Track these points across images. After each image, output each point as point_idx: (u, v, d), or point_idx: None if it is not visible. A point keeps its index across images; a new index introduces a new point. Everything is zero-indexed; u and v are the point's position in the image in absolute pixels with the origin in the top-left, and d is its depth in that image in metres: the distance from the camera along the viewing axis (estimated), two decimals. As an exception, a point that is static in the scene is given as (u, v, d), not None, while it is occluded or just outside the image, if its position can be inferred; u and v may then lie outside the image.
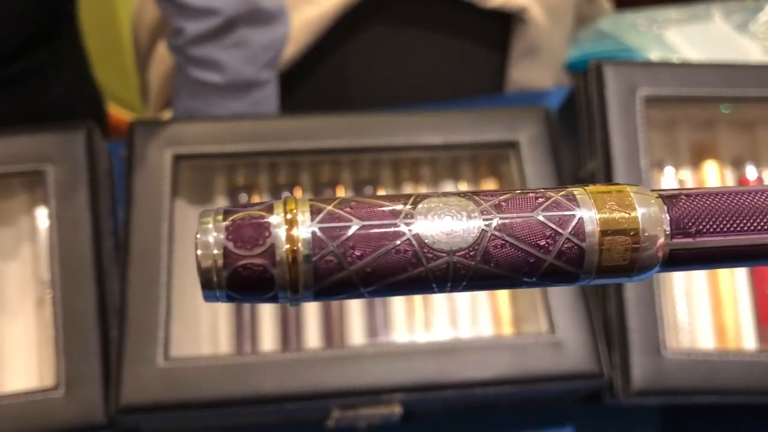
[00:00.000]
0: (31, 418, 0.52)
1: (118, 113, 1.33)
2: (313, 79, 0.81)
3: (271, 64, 0.68)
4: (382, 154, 0.63)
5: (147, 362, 0.53)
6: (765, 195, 0.26)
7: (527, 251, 0.24)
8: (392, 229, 0.24)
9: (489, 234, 0.24)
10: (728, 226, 0.25)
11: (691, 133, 0.65)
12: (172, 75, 0.73)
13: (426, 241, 0.24)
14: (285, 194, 0.26)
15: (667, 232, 0.25)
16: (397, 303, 0.60)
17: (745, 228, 0.25)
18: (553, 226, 0.24)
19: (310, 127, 0.61)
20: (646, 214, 0.24)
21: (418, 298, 0.60)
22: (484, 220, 0.24)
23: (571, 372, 0.55)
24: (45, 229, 0.58)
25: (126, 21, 1.30)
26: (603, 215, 0.24)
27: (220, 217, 0.24)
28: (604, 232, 0.24)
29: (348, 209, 0.24)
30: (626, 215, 0.24)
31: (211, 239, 0.23)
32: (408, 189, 0.64)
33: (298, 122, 0.62)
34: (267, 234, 0.23)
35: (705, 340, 0.59)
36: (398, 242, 0.24)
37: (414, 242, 0.24)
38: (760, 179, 0.63)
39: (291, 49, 0.76)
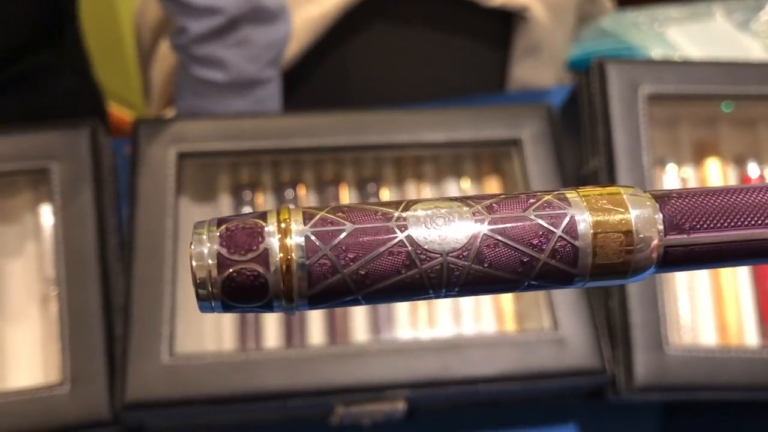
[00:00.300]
0: (37, 415, 0.52)
1: (120, 112, 1.33)
2: (316, 78, 0.81)
3: (274, 63, 0.68)
4: (385, 151, 0.63)
5: (152, 359, 0.53)
6: (759, 192, 0.26)
7: (520, 250, 0.24)
8: (385, 231, 0.24)
9: (481, 234, 0.24)
10: (722, 222, 0.25)
11: (694, 130, 0.65)
12: (175, 73, 0.73)
13: (419, 242, 0.24)
14: (283, 204, 0.26)
15: (661, 234, 0.25)
16: (401, 300, 0.60)
17: (740, 224, 0.25)
18: (546, 225, 0.24)
19: (313, 125, 0.61)
20: (639, 216, 0.24)
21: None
22: (475, 221, 0.24)
23: (574, 368, 0.55)
24: (49, 227, 0.58)
25: (127, 20, 1.30)
26: (596, 217, 0.24)
27: (214, 228, 0.24)
28: (597, 234, 0.24)
29: (340, 214, 0.24)
30: (620, 217, 0.24)
31: (205, 250, 0.23)
32: (411, 186, 0.64)
33: (301, 120, 0.62)
34: (260, 239, 0.24)
35: (707, 337, 0.60)
36: (391, 244, 0.24)
37: (407, 243, 0.24)
38: (762, 177, 0.63)
39: (293, 48, 0.76)
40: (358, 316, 0.60)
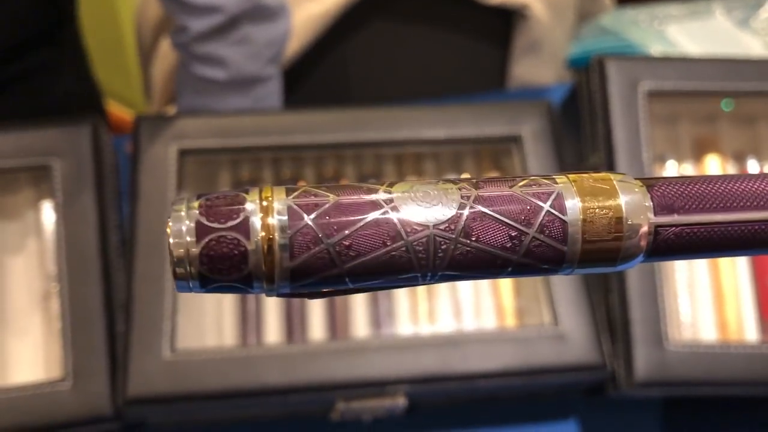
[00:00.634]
0: (39, 411, 0.52)
1: (119, 111, 1.33)
2: (316, 75, 0.81)
3: (274, 60, 0.68)
4: (385, 148, 0.63)
5: (153, 354, 0.53)
6: (750, 180, 0.25)
7: (508, 223, 0.24)
8: (370, 203, 0.23)
9: (468, 206, 0.24)
10: (712, 204, 0.25)
11: (693, 127, 0.65)
12: (176, 72, 0.73)
13: (404, 213, 0.23)
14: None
15: (651, 221, 0.24)
16: (401, 295, 0.61)
17: (730, 206, 0.25)
18: (533, 199, 0.24)
19: (313, 122, 0.62)
20: (629, 202, 0.24)
21: (421, 290, 0.60)
22: (462, 196, 0.24)
23: (574, 364, 0.55)
24: (51, 224, 0.59)
25: (127, 19, 1.31)
26: (585, 202, 0.24)
27: (194, 203, 0.23)
28: (586, 218, 0.24)
29: (324, 189, 0.24)
30: (609, 202, 0.24)
31: (183, 227, 0.22)
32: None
33: (302, 117, 0.62)
34: (241, 209, 0.23)
35: (707, 333, 0.60)
36: (377, 214, 0.23)
37: (392, 215, 0.23)
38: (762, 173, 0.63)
39: (294, 45, 0.76)
40: (359, 311, 0.60)
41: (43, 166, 0.58)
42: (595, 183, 0.24)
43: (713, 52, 0.77)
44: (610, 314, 0.57)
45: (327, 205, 0.23)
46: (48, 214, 0.59)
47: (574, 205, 0.24)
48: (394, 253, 0.23)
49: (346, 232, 0.23)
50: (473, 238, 0.23)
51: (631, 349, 0.55)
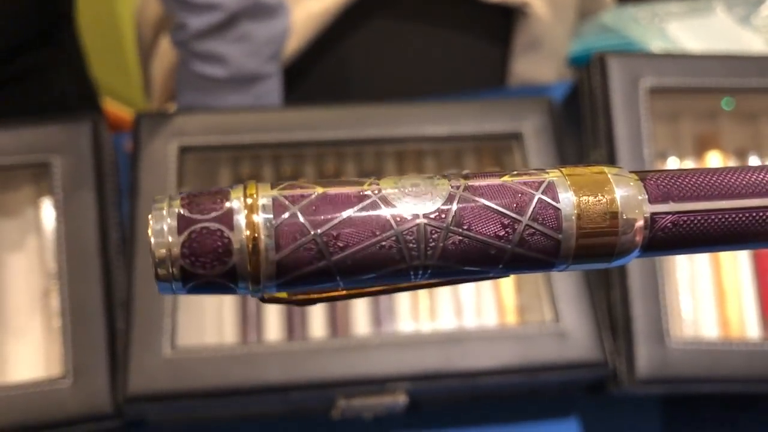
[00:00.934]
0: (39, 408, 0.52)
1: (118, 109, 1.33)
2: (317, 73, 0.81)
3: (274, 58, 0.68)
4: (386, 145, 0.63)
5: (153, 352, 0.53)
6: (746, 172, 0.25)
7: (500, 211, 0.23)
8: (357, 194, 0.23)
9: (458, 196, 0.23)
10: (708, 192, 0.24)
11: (695, 124, 0.65)
12: (175, 69, 0.73)
13: (393, 202, 0.22)
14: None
15: (646, 212, 0.24)
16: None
17: (726, 194, 0.24)
18: (525, 188, 0.23)
19: (314, 119, 0.61)
20: (624, 196, 0.23)
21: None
22: (452, 186, 0.23)
23: (575, 361, 0.55)
24: (51, 221, 0.58)
25: (126, 17, 1.30)
26: (580, 197, 0.23)
27: (177, 200, 0.22)
28: (580, 214, 0.23)
29: (310, 182, 0.23)
30: (604, 197, 0.23)
31: (165, 226, 0.22)
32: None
33: (302, 114, 0.62)
34: (224, 201, 0.22)
35: (709, 330, 0.60)
36: (365, 203, 0.22)
37: (380, 203, 0.22)
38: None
39: (294, 43, 0.76)
40: (360, 308, 0.60)
41: (43, 164, 0.58)
42: (589, 177, 0.24)
43: (714, 49, 0.77)
44: (611, 311, 0.57)
45: (313, 196, 0.22)
46: (48, 211, 0.59)
47: (568, 198, 0.23)
48: (383, 243, 0.22)
49: (334, 222, 0.22)
50: (465, 227, 0.23)
51: (633, 346, 0.55)
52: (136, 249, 0.56)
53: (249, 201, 0.22)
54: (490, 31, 0.85)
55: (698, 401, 0.60)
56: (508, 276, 0.25)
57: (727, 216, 0.24)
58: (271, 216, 0.22)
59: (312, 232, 0.22)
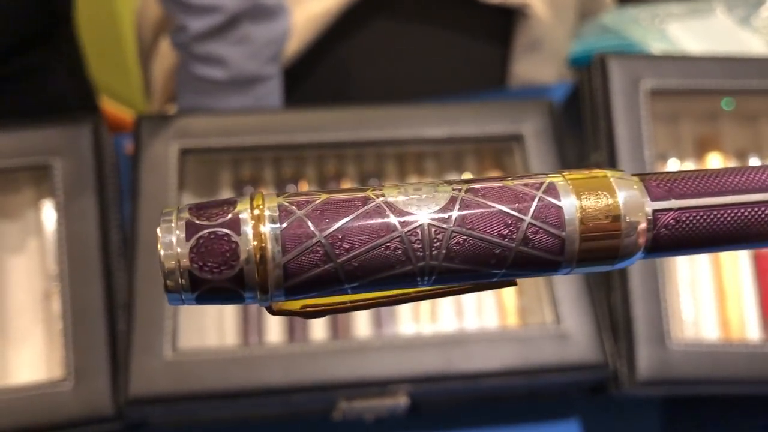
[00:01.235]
0: (40, 411, 0.52)
1: (117, 110, 1.33)
2: (317, 75, 0.81)
3: (274, 60, 0.68)
4: (387, 147, 0.63)
5: (155, 354, 0.53)
6: (748, 172, 0.25)
7: (503, 210, 0.23)
8: (361, 199, 0.23)
9: (460, 198, 0.23)
10: (710, 188, 0.24)
11: (695, 125, 0.65)
12: (175, 71, 0.73)
13: (397, 205, 0.23)
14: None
15: (649, 217, 0.24)
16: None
17: (728, 190, 0.24)
18: (526, 189, 0.24)
19: (314, 121, 0.61)
20: (627, 199, 0.24)
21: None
22: (454, 189, 0.24)
23: (576, 363, 0.55)
24: (52, 223, 0.58)
25: (125, 18, 1.30)
26: (582, 201, 0.23)
27: (185, 213, 0.23)
28: (583, 218, 0.23)
29: (315, 190, 0.24)
30: (606, 201, 0.24)
31: (174, 238, 0.22)
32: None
33: (303, 116, 0.62)
34: (231, 208, 0.23)
35: (709, 331, 0.60)
36: (369, 206, 0.23)
37: (384, 207, 0.23)
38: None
39: (295, 45, 0.76)
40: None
41: (43, 166, 0.58)
42: (591, 180, 0.24)
43: (714, 51, 0.77)
44: (612, 313, 0.57)
45: (318, 201, 0.23)
46: (49, 213, 0.59)
47: (570, 203, 0.23)
48: (389, 244, 0.23)
49: (339, 224, 0.22)
50: (468, 227, 0.23)
51: (634, 348, 0.55)
52: (137, 251, 0.56)
53: (256, 212, 0.22)
54: (491, 32, 0.85)
55: (699, 403, 0.60)
56: (514, 281, 0.25)
57: (729, 212, 0.24)
58: (278, 226, 0.22)
59: (317, 235, 0.22)
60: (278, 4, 0.65)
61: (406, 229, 0.23)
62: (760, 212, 0.24)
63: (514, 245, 0.23)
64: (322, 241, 0.22)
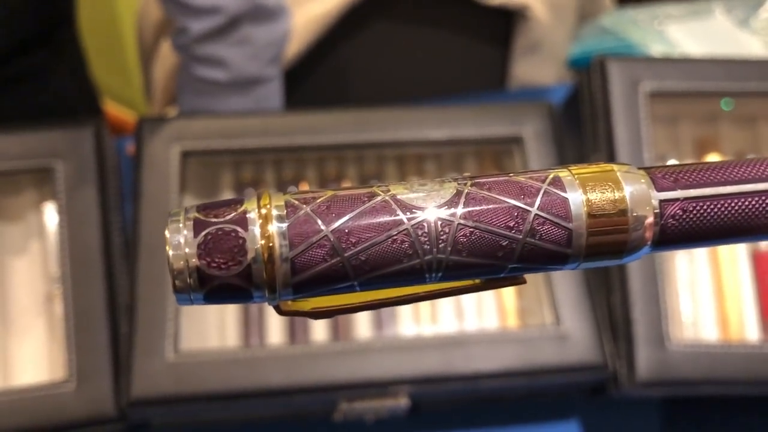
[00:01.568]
0: (42, 412, 0.52)
1: (119, 112, 1.33)
2: (318, 76, 0.81)
3: (275, 61, 0.69)
4: (387, 149, 0.63)
5: (157, 356, 0.53)
6: (753, 164, 0.25)
7: (508, 202, 0.23)
8: (367, 194, 0.23)
9: (465, 191, 0.23)
10: (716, 178, 0.24)
11: (694, 127, 0.65)
12: (176, 73, 0.73)
13: (403, 199, 0.23)
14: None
15: (656, 210, 0.24)
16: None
17: (734, 180, 0.24)
18: (531, 182, 0.24)
19: (315, 123, 0.62)
20: (634, 193, 0.24)
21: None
22: (459, 184, 0.24)
23: (576, 364, 0.55)
24: (54, 225, 0.59)
25: (127, 20, 1.31)
26: (589, 195, 0.23)
27: (192, 213, 0.23)
28: (590, 213, 0.23)
29: (320, 189, 0.24)
30: (613, 195, 0.23)
31: (181, 239, 0.22)
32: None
33: (304, 118, 0.62)
34: (239, 205, 0.23)
35: (708, 332, 0.60)
36: (376, 201, 0.23)
37: (391, 202, 0.23)
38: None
39: (295, 46, 0.76)
40: (361, 312, 0.60)
41: (45, 168, 0.58)
42: (597, 174, 0.24)
43: (713, 52, 0.78)
44: (611, 314, 0.57)
45: (325, 197, 0.23)
46: (51, 215, 0.59)
47: (576, 196, 0.23)
48: (395, 237, 0.23)
49: (345, 218, 0.22)
50: (474, 219, 0.23)
51: (633, 349, 0.55)
52: (138, 253, 0.56)
53: (263, 211, 0.23)
54: (490, 34, 0.85)
55: (698, 403, 0.60)
56: (522, 278, 0.25)
57: (736, 202, 0.24)
58: (284, 225, 0.22)
59: (324, 229, 0.22)
60: (279, 5, 0.66)
61: (412, 223, 0.23)
62: (766, 201, 0.24)
63: (521, 237, 0.23)
64: (329, 235, 0.22)
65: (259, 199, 0.23)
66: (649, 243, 0.24)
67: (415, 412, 0.57)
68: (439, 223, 0.23)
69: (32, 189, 0.60)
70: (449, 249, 0.23)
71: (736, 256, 0.62)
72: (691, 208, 0.24)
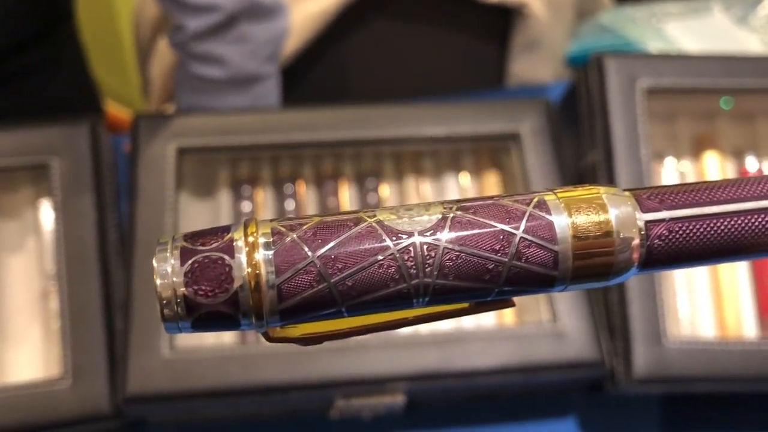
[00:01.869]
0: (38, 409, 0.52)
1: (117, 110, 1.33)
2: (315, 74, 0.81)
3: (272, 59, 0.69)
4: (384, 146, 0.63)
5: (152, 353, 0.53)
6: (740, 184, 0.25)
7: (494, 226, 0.23)
8: (353, 220, 0.23)
9: (451, 215, 0.23)
10: (702, 198, 0.25)
11: (692, 124, 0.65)
12: (174, 70, 0.73)
13: (389, 225, 0.23)
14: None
15: (642, 232, 0.24)
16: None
17: (720, 200, 0.24)
18: (516, 205, 0.24)
19: (312, 120, 0.62)
20: (619, 216, 0.24)
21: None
22: (444, 208, 0.24)
23: (573, 361, 0.55)
24: (50, 222, 0.59)
25: (125, 17, 1.31)
26: (574, 218, 0.23)
27: (179, 242, 0.23)
28: (575, 236, 0.23)
29: (308, 215, 0.24)
30: (598, 218, 0.24)
31: (169, 268, 0.22)
32: (410, 181, 0.64)
33: (301, 115, 0.62)
34: (226, 233, 0.23)
35: (706, 329, 0.60)
36: (362, 226, 0.23)
37: (377, 227, 0.23)
38: (760, 170, 0.64)
39: (293, 44, 0.76)
40: (358, 309, 0.60)
41: (41, 165, 0.58)
42: (582, 197, 0.24)
43: (711, 50, 0.77)
44: (608, 311, 0.57)
45: (310, 224, 0.23)
46: (47, 212, 0.59)
47: (562, 219, 0.24)
48: (382, 262, 0.23)
49: (331, 244, 0.23)
50: (460, 243, 0.23)
51: (630, 346, 0.55)
52: (134, 250, 0.56)
53: (250, 239, 0.23)
54: (488, 31, 0.85)
55: (696, 400, 0.60)
56: (511, 301, 0.25)
57: (722, 222, 0.24)
58: (271, 252, 0.22)
59: (310, 255, 0.23)
60: (276, 3, 0.66)
61: (398, 248, 0.23)
62: (754, 221, 0.24)
63: (507, 260, 0.23)
64: (315, 261, 0.22)
65: (246, 227, 0.23)
66: (636, 264, 0.24)
67: (411, 409, 0.57)
68: (425, 247, 0.23)
69: (28, 186, 0.60)
70: (436, 273, 0.23)
71: (734, 253, 0.61)
72: (677, 229, 0.24)
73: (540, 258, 0.23)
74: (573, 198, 0.24)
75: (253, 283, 0.22)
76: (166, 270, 0.22)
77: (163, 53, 0.82)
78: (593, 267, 0.24)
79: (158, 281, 0.22)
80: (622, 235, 0.24)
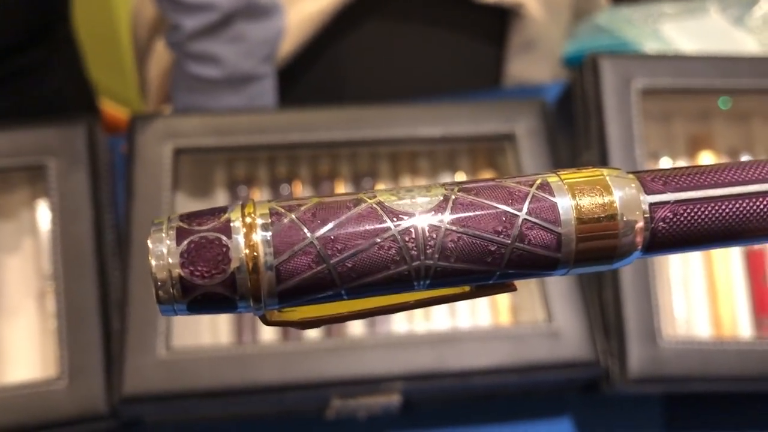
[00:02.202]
0: (34, 409, 0.52)
1: (114, 110, 1.33)
2: (312, 74, 0.82)
3: (269, 58, 0.69)
4: (381, 146, 0.63)
5: (149, 353, 0.53)
6: (743, 167, 0.25)
7: (496, 207, 0.23)
8: (353, 201, 0.23)
9: (453, 195, 0.23)
10: (706, 181, 0.24)
11: (687, 124, 0.65)
12: (171, 71, 0.73)
13: (390, 206, 0.22)
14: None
15: (646, 215, 0.24)
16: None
17: (724, 182, 0.24)
18: (519, 186, 0.23)
19: (308, 121, 0.62)
20: (623, 198, 0.23)
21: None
22: (445, 189, 0.23)
23: (568, 360, 0.55)
24: (46, 223, 0.59)
25: (122, 18, 1.31)
26: (578, 201, 0.23)
27: (175, 222, 0.22)
28: (579, 218, 0.23)
29: (305, 197, 0.23)
30: (602, 200, 0.23)
31: (164, 249, 0.22)
32: (406, 181, 0.64)
33: (297, 115, 0.62)
34: (223, 213, 0.22)
35: (701, 329, 0.60)
36: (361, 208, 0.22)
37: (378, 208, 0.22)
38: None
39: (289, 44, 0.76)
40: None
41: (38, 166, 0.58)
42: (586, 179, 0.24)
43: (708, 50, 0.78)
44: (603, 311, 0.58)
45: (309, 204, 0.23)
46: (43, 213, 0.59)
47: (565, 201, 0.23)
48: (382, 244, 0.22)
49: (330, 225, 0.22)
50: (462, 224, 0.23)
51: (625, 346, 0.55)
52: (131, 250, 0.56)
53: (248, 220, 0.22)
54: (485, 32, 0.85)
55: (692, 400, 0.60)
56: (513, 285, 0.24)
57: (726, 204, 0.24)
58: (269, 233, 0.22)
59: (309, 236, 0.22)
60: (273, 3, 0.66)
61: (399, 229, 0.22)
62: (757, 204, 0.24)
63: (509, 242, 0.23)
64: (314, 242, 0.22)
65: (243, 208, 0.22)
66: (639, 248, 0.24)
67: (407, 409, 0.57)
68: (427, 229, 0.22)
69: (25, 186, 0.60)
70: (437, 255, 0.22)
71: (729, 252, 0.62)
72: (681, 211, 0.24)
73: (543, 240, 0.23)
74: (576, 180, 0.24)
75: (250, 264, 0.22)
76: (162, 251, 0.22)
77: (161, 54, 0.82)
78: (597, 250, 0.23)
79: (153, 262, 0.22)
80: (626, 218, 0.23)
